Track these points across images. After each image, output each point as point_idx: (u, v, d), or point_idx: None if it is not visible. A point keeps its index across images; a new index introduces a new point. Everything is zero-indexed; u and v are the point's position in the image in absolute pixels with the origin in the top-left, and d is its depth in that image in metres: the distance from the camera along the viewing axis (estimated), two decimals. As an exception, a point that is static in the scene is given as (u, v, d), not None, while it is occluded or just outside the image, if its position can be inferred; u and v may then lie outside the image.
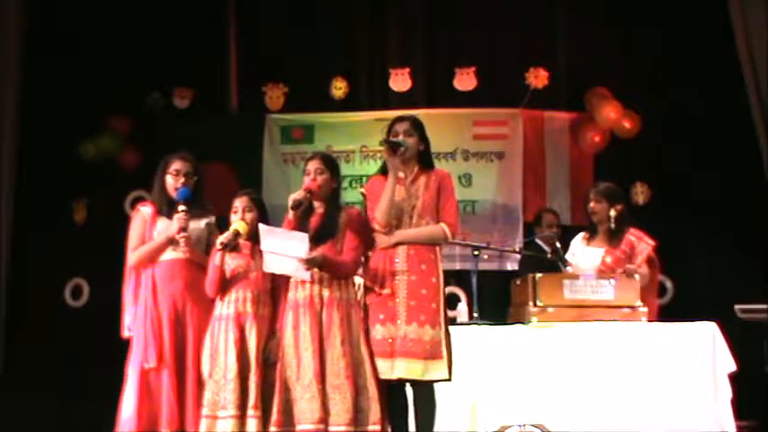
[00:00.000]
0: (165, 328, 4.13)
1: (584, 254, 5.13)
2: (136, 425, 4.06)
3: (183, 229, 4.16)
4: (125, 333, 4.28)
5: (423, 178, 4.13)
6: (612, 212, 5.02)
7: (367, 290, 4.09)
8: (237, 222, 4.17)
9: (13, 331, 6.61)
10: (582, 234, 5.24)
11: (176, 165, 4.29)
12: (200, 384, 4.07)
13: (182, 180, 4.26)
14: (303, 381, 3.88)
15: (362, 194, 4.31)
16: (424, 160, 4.19)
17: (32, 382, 6.34)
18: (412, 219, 4.07)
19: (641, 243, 5.01)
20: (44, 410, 6.21)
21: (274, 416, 3.88)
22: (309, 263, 3.90)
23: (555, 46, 7.19)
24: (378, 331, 3.99)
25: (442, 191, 4.10)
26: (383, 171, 4.14)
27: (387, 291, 4.00)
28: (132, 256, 4.27)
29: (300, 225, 4.00)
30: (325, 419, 3.83)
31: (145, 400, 4.08)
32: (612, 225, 5.02)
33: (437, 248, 4.09)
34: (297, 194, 4.01)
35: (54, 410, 6.27)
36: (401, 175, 4.11)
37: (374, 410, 3.88)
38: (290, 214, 4.00)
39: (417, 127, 4.16)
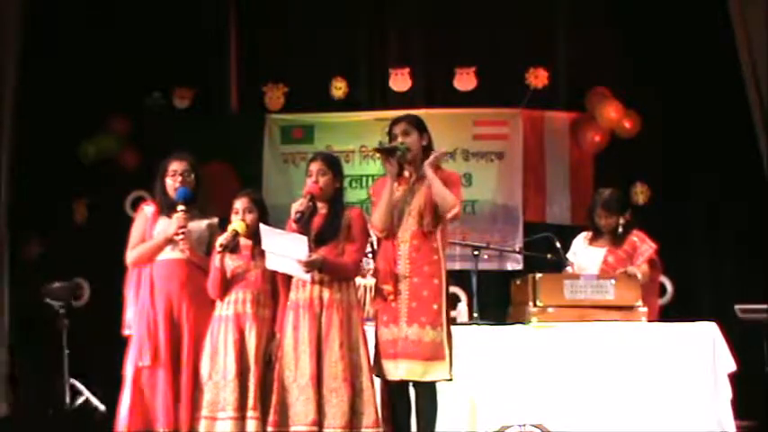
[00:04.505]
0: (160, 328, 4.14)
1: (585, 254, 5.14)
2: (128, 424, 4.07)
3: (182, 228, 4.17)
4: (125, 331, 4.30)
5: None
6: (621, 221, 5.06)
7: (374, 294, 4.10)
8: (236, 222, 4.17)
9: (14, 331, 6.60)
10: (584, 234, 5.25)
11: (173, 165, 4.32)
12: (195, 385, 4.08)
13: (179, 180, 4.28)
14: (300, 382, 3.89)
15: (369, 196, 4.31)
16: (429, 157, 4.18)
17: (33, 383, 6.33)
18: (414, 218, 4.06)
19: (643, 244, 5.03)
20: (45, 410, 6.20)
21: (271, 416, 3.90)
22: (309, 265, 3.91)
23: (555, 46, 7.18)
24: (383, 333, 4.01)
25: (447, 184, 4.06)
26: None
27: (388, 287, 4.00)
28: (130, 254, 4.31)
29: (303, 226, 4.00)
30: (319, 421, 3.84)
31: (139, 399, 4.10)
32: (620, 230, 5.05)
33: (440, 250, 4.08)
34: (299, 205, 4.00)
35: (55, 410, 6.26)
36: (406, 174, 4.11)
37: (370, 413, 3.89)
38: (294, 225, 4.00)
39: (415, 125, 4.15)
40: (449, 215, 4.04)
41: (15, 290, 6.53)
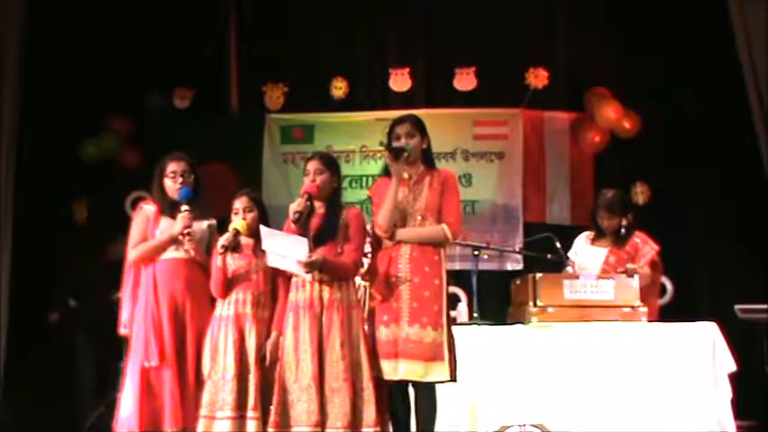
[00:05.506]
0: (165, 327, 4.14)
1: (587, 253, 5.15)
2: (137, 424, 4.06)
3: (188, 227, 4.17)
4: (121, 330, 4.30)
5: (427, 178, 4.13)
6: (624, 222, 5.07)
7: (372, 293, 4.10)
8: (237, 221, 4.18)
9: (14, 331, 6.60)
10: (586, 233, 5.27)
11: (172, 166, 4.31)
12: (198, 384, 4.08)
13: (180, 181, 4.28)
14: (301, 383, 3.89)
15: (369, 197, 4.32)
16: (428, 159, 4.19)
17: (33, 382, 6.33)
18: (416, 219, 4.07)
19: (645, 246, 5.06)
20: (44, 410, 6.21)
21: (272, 417, 3.90)
22: (309, 266, 3.91)
23: (555, 46, 7.19)
24: (382, 332, 4.01)
25: (444, 191, 4.10)
26: (387, 173, 4.14)
27: (379, 298, 4.01)
28: (132, 252, 4.29)
29: (302, 226, 4.00)
30: (322, 422, 3.84)
31: (145, 399, 4.09)
32: (623, 231, 5.06)
33: (441, 250, 4.09)
34: (297, 205, 4.00)
35: (54, 410, 6.26)
36: (405, 176, 4.11)
37: (370, 412, 3.89)
38: (293, 225, 4.00)
39: (418, 126, 4.16)
40: (451, 241, 4.14)
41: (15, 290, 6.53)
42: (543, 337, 4.67)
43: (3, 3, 6.34)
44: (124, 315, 4.30)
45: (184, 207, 4.21)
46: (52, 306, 6.69)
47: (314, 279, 3.98)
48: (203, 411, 4.00)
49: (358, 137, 7.15)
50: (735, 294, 5.64)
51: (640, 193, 6.94)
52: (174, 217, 4.23)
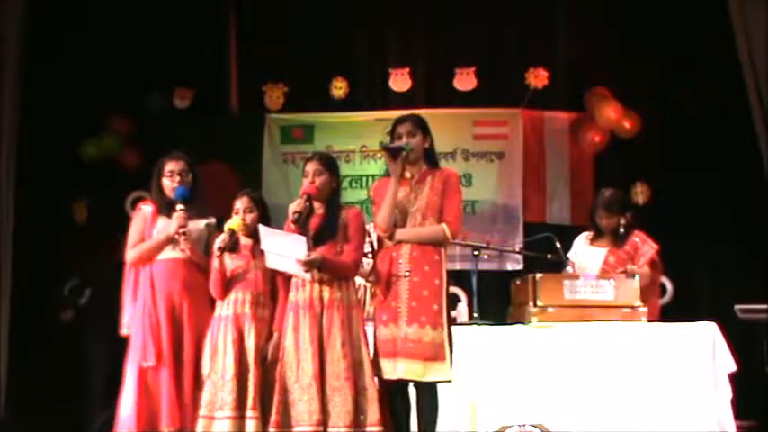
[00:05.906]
0: (163, 327, 4.15)
1: (586, 253, 5.15)
2: (135, 424, 4.07)
3: (183, 227, 4.18)
4: (123, 331, 4.31)
5: (429, 178, 4.14)
6: (622, 221, 5.07)
7: (374, 293, 4.11)
8: (231, 221, 4.18)
9: (14, 332, 6.60)
10: (585, 234, 5.26)
11: (170, 166, 4.33)
12: (197, 384, 4.08)
13: (177, 180, 4.29)
14: (302, 382, 3.90)
15: (369, 197, 4.32)
16: (430, 158, 4.19)
17: (33, 382, 6.33)
18: (416, 219, 4.07)
19: (645, 245, 5.05)
20: (45, 410, 6.21)
21: (273, 416, 3.90)
22: (308, 264, 3.91)
23: (555, 46, 7.19)
24: (381, 332, 4.01)
25: (446, 190, 4.10)
26: (388, 173, 4.14)
27: (382, 298, 4.02)
28: (130, 253, 4.31)
29: (301, 226, 4.00)
30: (323, 421, 3.84)
31: (143, 399, 4.10)
32: (622, 230, 5.07)
33: (441, 249, 4.09)
34: (296, 206, 4.00)
35: (55, 410, 6.27)
36: (408, 175, 4.11)
37: (374, 411, 3.89)
38: (292, 226, 4.01)
39: (419, 125, 4.16)
40: (450, 241, 4.12)
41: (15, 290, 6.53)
42: (543, 337, 4.67)
43: (3, 3, 6.34)
44: (126, 315, 4.31)
45: (179, 206, 4.22)
46: (63, 305, 6.70)
47: (313, 279, 3.98)
48: (203, 411, 4.01)
49: (358, 137, 7.16)
50: (735, 294, 5.64)
51: (640, 193, 6.93)
52: (171, 216, 4.24)
